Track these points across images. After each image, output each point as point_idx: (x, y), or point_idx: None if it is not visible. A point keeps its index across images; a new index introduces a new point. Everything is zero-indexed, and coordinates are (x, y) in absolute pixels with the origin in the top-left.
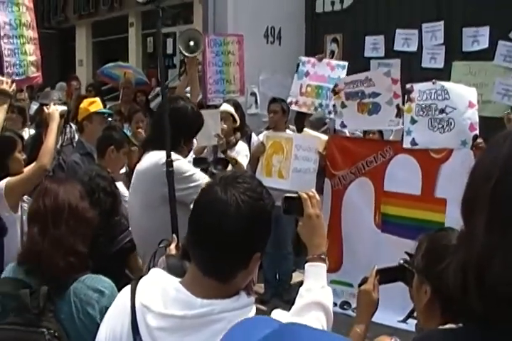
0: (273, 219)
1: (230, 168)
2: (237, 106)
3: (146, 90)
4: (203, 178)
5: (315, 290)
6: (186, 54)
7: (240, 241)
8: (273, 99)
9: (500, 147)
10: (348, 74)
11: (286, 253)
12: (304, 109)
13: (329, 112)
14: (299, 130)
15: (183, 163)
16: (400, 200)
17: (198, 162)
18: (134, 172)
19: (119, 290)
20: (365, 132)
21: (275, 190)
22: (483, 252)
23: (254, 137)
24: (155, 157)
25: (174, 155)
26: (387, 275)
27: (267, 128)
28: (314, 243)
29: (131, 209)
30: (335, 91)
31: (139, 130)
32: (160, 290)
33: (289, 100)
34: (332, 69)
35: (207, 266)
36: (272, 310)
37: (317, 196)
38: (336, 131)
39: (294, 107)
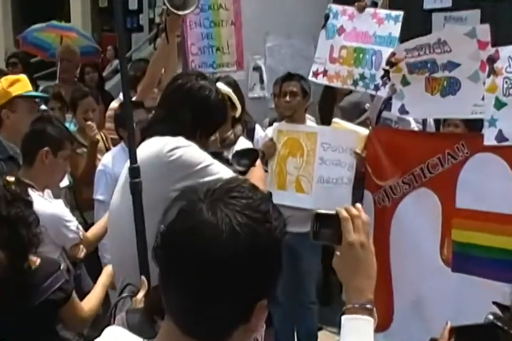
0: (286, 250)
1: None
2: (234, 86)
3: (97, 64)
4: (223, 171)
5: None
6: (173, 10)
7: (236, 283)
8: (288, 75)
9: None
10: (402, 31)
11: (308, 302)
12: (336, 83)
13: (375, 87)
14: (325, 120)
15: (195, 151)
16: (483, 223)
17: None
18: (125, 167)
19: None
20: (444, 122)
21: (291, 210)
22: None
23: (258, 131)
24: (157, 144)
25: (183, 141)
26: (467, 337)
27: (274, 120)
28: (356, 285)
29: (115, 217)
30: (391, 63)
31: (89, 123)
32: None
33: (313, 68)
34: (380, 23)
35: (188, 321)
36: None
37: (364, 215)
38: (382, 120)
39: (320, 80)
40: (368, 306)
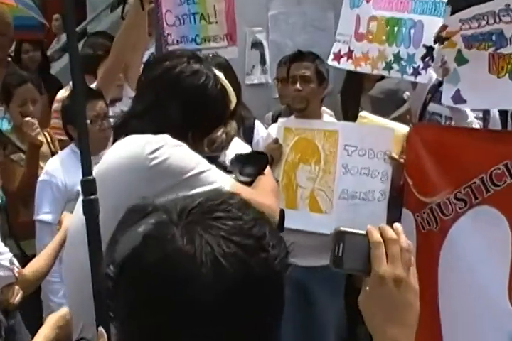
0: (296, 290)
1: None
2: (225, 69)
3: (40, 39)
4: (223, 180)
5: None
6: None
7: (220, 335)
8: (298, 53)
9: None
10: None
11: None
12: (364, 67)
13: (414, 71)
14: (350, 114)
15: (185, 153)
16: None
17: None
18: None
19: None
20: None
21: (303, 236)
22: None
23: (259, 130)
24: (135, 143)
25: (169, 140)
26: None
27: (279, 115)
28: (387, 335)
29: (73, 245)
30: (441, 38)
31: (28, 119)
32: None
33: (334, 49)
34: None
35: None
36: None
37: (404, 240)
38: (428, 115)
39: (344, 64)
40: None
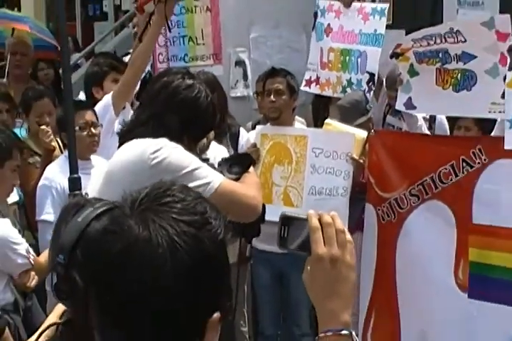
0: (273, 273)
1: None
2: (214, 83)
3: (54, 59)
4: (213, 175)
5: None
6: None
7: (183, 302)
8: (272, 70)
9: None
10: (409, 19)
11: (299, 334)
12: (327, 91)
13: (365, 95)
14: (318, 122)
15: (181, 153)
16: (504, 241)
17: None
18: (101, 174)
19: None
20: (453, 121)
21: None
22: None
23: (243, 136)
24: (138, 146)
25: (166, 142)
26: None
27: (257, 123)
28: (327, 307)
29: None
30: (397, 54)
31: (43, 127)
32: None
33: (306, 76)
34: (365, 19)
35: None
36: None
37: (339, 224)
38: (387, 125)
39: (313, 89)
40: (344, 332)
